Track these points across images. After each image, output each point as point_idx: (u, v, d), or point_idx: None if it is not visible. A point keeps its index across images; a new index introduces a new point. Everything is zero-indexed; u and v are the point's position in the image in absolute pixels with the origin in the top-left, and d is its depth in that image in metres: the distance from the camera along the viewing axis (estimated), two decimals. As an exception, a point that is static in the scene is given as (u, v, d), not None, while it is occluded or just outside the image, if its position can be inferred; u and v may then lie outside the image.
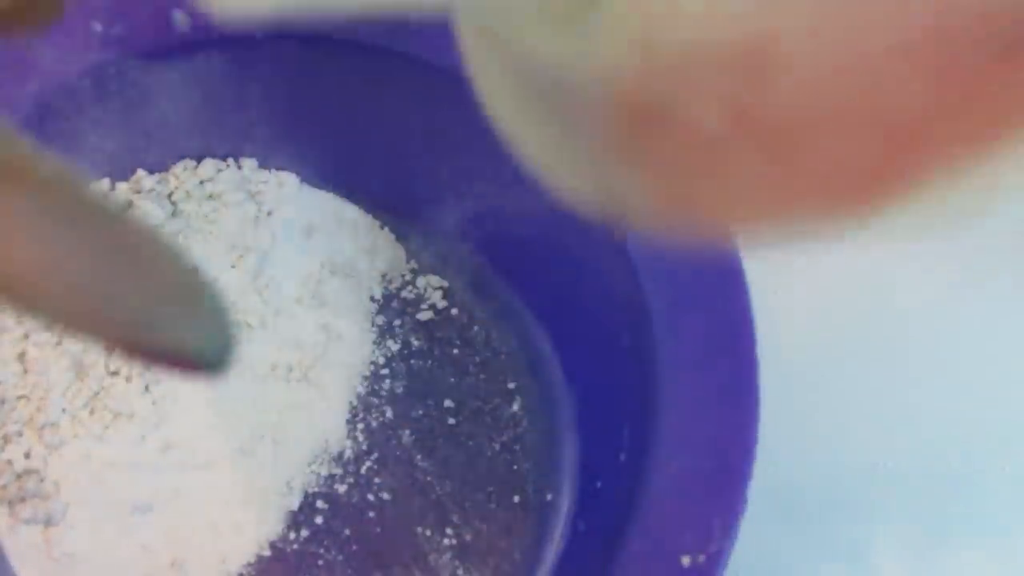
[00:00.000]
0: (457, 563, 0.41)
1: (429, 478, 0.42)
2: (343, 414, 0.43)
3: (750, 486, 0.36)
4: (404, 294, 0.45)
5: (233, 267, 0.43)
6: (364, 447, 0.43)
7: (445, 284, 0.45)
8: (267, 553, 0.41)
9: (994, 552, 0.43)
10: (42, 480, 0.40)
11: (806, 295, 0.46)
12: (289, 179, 0.45)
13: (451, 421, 0.43)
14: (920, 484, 0.44)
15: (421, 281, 0.45)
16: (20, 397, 0.41)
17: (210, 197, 0.44)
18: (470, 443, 0.43)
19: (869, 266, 0.47)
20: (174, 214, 0.43)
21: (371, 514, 0.42)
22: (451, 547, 0.41)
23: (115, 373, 0.41)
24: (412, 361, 0.44)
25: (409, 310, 0.44)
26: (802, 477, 0.44)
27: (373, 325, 0.44)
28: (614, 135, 0.18)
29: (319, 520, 0.42)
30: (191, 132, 0.43)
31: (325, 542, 0.41)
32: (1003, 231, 0.47)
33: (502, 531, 0.42)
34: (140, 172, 0.43)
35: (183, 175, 0.43)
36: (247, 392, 0.42)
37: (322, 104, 0.43)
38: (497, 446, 0.43)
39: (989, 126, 0.18)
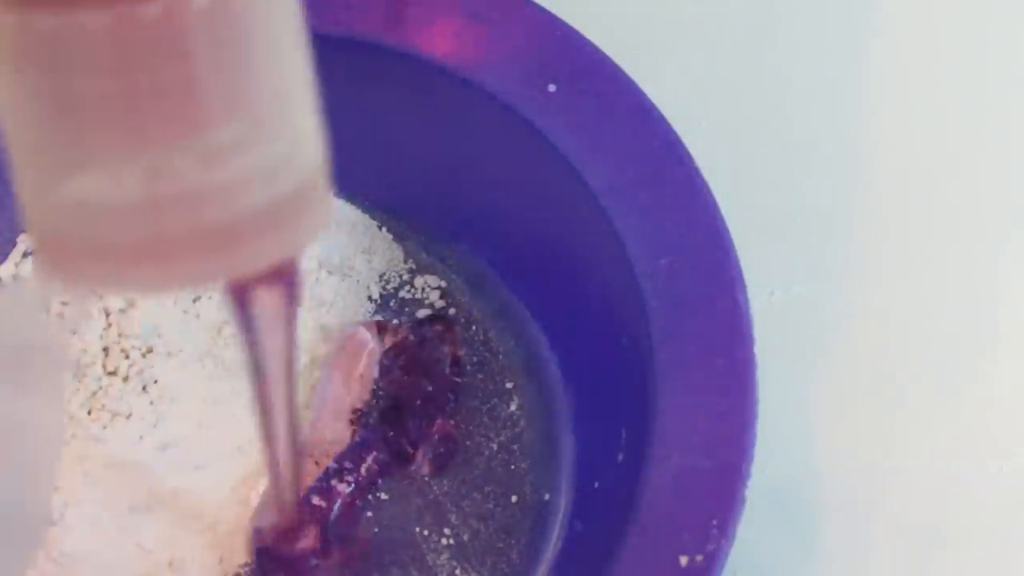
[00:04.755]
0: (455, 563, 0.41)
1: (427, 478, 0.42)
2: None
3: (748, 486, 0.36)
4: (402, 294, 0.45)
5: (231, 267, 0.43)
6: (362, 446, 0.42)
7: (443, 284, 0.45)
8: (265, 553, 0.41)
9: (993, 552, 0.43)
10: (40, 480, 0.40)
11: (806, 295, 0.46)
12: (287, 179, 0.44)
13: (449, 421, 0.43)
14: (920, 484, 0.44)
15: (419, 281, 0.45)
16: (18, 397, 0.41)
17: (208, 197, 0.43)
18: (468, 443, 0.43)
19: (869, 265, 0.47)
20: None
21: (369, 514, 0.42)
22: (449, 547, 0.41)
23: (113, 373, 0.41)
24: (410, 361, 0.44)
25: (407, 310, 0.44)
26: (801, 477, 0.43)
27: (371, 325, 0.44)
28: None
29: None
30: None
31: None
32: (992, 232, 0.47)
33: (500, 531, 0.42)
34: (139, 172, 0.43)
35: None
36: (245, 392, 0.42)
37: (320, 103, 0.43)
38: (495, 446, 0.43)
39: None
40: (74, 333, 0.41)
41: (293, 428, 0.33)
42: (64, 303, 0.41)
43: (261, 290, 0.29)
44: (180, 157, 0.25)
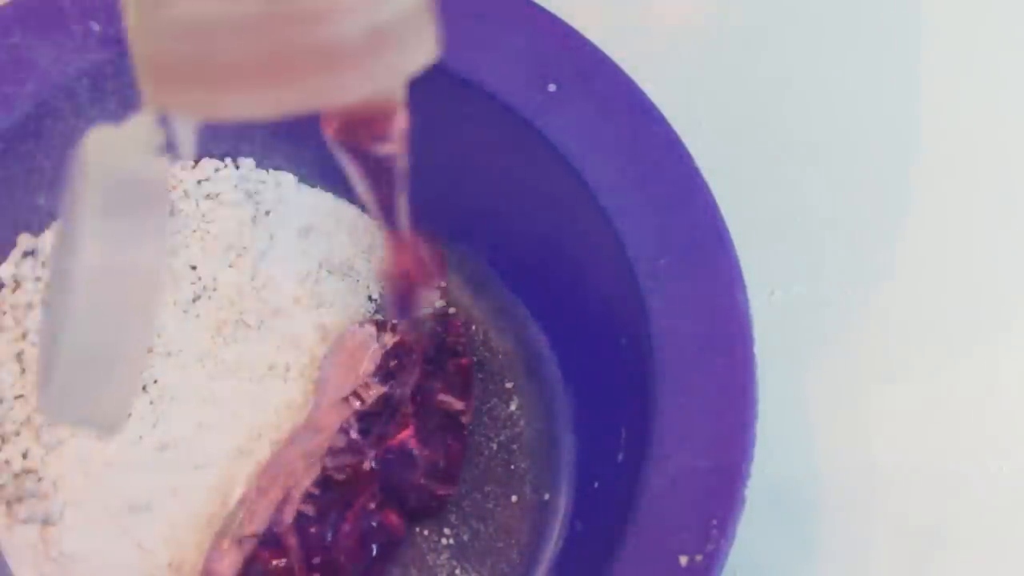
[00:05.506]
0: (455, 563, 0.41)
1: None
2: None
3: (748, 486, 0.36)
4: (402, 294, 0.45)
5: (231, 266, 0.43)
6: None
7: (443, 284, 0.45)
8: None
9: (993, 552, 0.43)
10: (40, 480, 0.40)
11: (806, 295, 0.46)
12: (287, 179, 0.44)
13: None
14: (920, 484, 0.44)
15: (419, 281, 0.45)
16: (18, 397, 0.41)
17: (208, 197, 0.44)
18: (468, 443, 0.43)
19: (869, 265, 0.47)
20: (172, 213, 0.43)
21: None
22: (449, 547, 0.41)
23: (112, 373, 0.41)
24: (410, 361, 0.44)
25: (407, 310, 0.44)
26: (801, 477, 0.43)
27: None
28: None
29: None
30: (189, 132, 0.43)
31: (323, 542, 0.41)
32: (993, 232, 0.47)
33: (500, 531, 0.42)
34: (138, 172, 0.43)
35: (181, 175, 0.43)
36: (245, 392, 0.42)
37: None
38: (495, 446, 0.43)
39: None
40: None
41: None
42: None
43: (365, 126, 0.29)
44: None
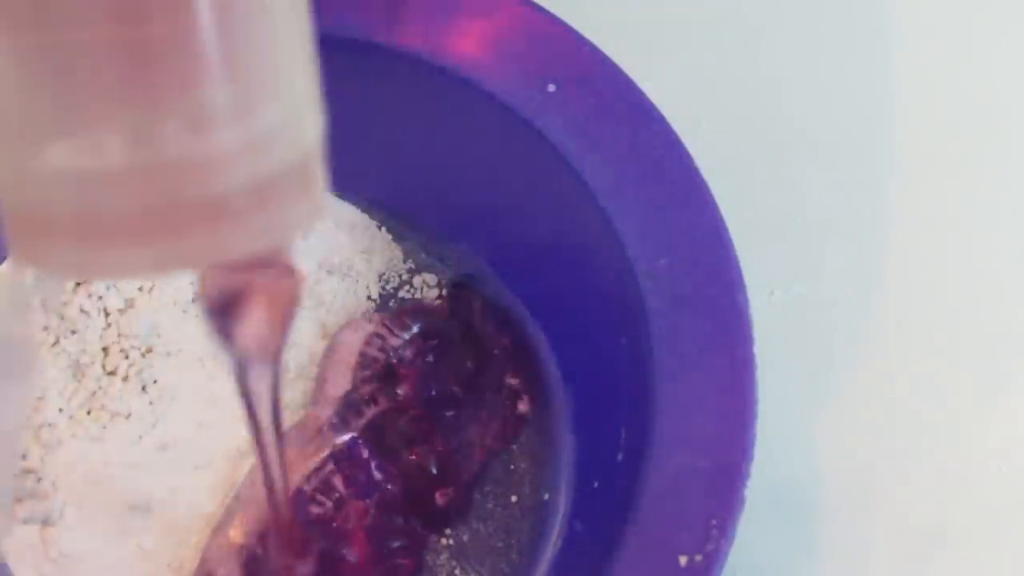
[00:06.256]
0: (455, 563, 0.41)
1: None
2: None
3: (748, 486, 0.36)
4: (401, 294, 0.45)
5: (231, 267, 0.43)
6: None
7: (442, 283, 0.45)
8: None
9: (993, 552, 0.43)
10: (39, 480, 0.40)
11: (806, 295, 0.46)
12: (287, 179, 0.44)
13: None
14: (920, 484, 0.44)
15: (418, 280, 0.45)
16: (17, 397, 0.41)
17: (208, 197, 0.43)
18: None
19: (869, 265, 0.47)
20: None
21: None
22: (448, 547, 0.41)
23: (112, 373, 0.41)
24: (410, 361, 0.44)
25: (407, 310, 0.44)
26: (801, 477, 0.43)
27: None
28: None
29: (317, 520, 0.41)
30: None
31: (322, 542, 0.41)
32: (993, 232, 0.47)
33: (499, 531, 0.42)
34: (138, 172, 0.43)
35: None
36: (245, 392, 0.42)
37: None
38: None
39: None
40: (73, 332, 0.41)
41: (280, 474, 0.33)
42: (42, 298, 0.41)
43: (249, 296, 0.28)
44: (166, 121, 0.24)
